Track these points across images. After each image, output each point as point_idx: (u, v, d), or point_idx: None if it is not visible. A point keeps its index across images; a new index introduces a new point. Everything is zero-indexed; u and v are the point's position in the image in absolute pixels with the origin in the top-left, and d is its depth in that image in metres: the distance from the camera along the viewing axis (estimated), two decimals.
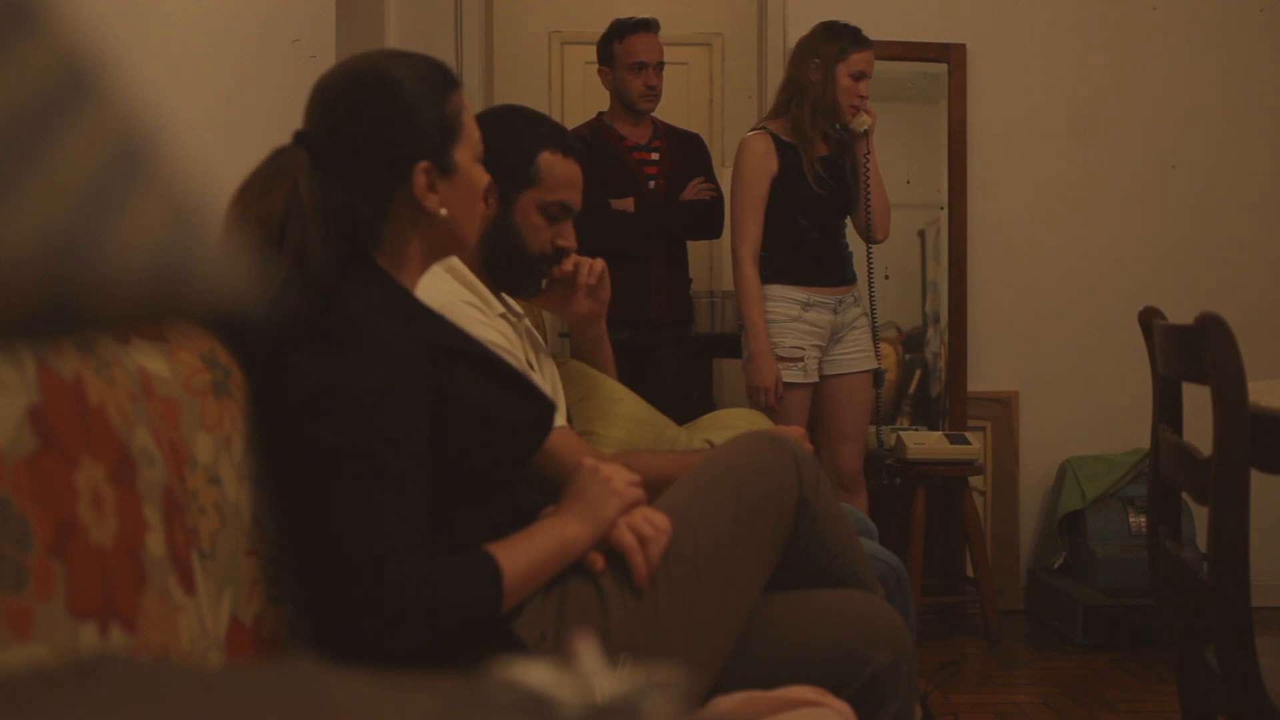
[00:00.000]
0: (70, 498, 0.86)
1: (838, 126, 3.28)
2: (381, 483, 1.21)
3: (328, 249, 1.29)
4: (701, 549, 1.44)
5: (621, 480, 1.43)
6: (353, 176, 1.33)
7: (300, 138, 1.34)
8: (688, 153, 3.87)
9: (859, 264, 3.48)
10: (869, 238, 3.40)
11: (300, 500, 1.23)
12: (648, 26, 3.80)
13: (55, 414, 0.86)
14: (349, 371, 1.23)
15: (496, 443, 1.37)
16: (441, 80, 1.38)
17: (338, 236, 1.31)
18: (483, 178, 1.43)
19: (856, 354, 3.36)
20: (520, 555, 1.31)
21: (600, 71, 3.86)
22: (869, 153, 3.32)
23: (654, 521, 1.41)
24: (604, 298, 2.01)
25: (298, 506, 1.24)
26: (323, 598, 1.23)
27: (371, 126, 1.35)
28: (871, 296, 3.47)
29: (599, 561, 1.40)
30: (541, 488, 1.76)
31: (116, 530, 0.91)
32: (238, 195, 1.30)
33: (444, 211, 1.37)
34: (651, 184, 3.77)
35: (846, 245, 3.38)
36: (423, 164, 1.35)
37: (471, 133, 1.40)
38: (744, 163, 3.23)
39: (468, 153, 1.40)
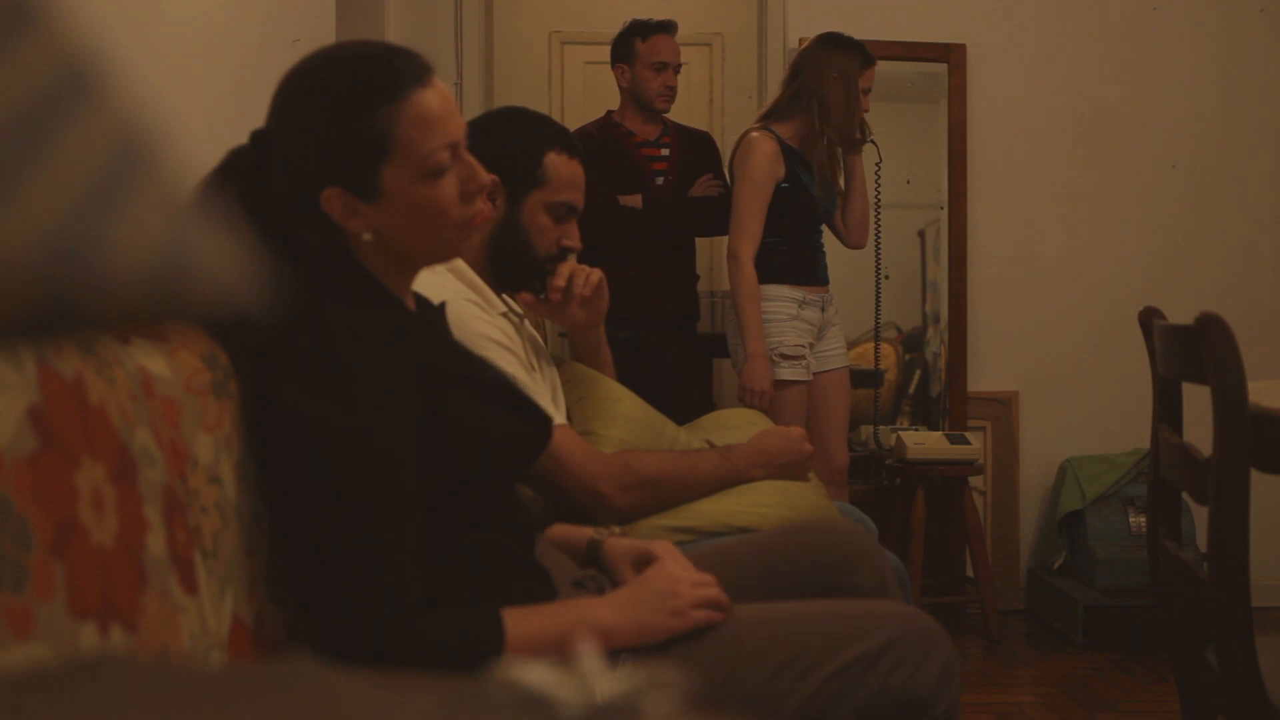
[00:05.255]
0: (70, 498, 0.86)
1: (856, 138, 3.33)
2: (367, 523, 1.18)
3: (272, 242, 1.24)
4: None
5: (689, 599, 1.35)
6: (280, 186, 1.28)
7: (253, 136, 1.29)
8: (698, 150, 3.87)
9: (859, 265, 3.52)
10: (854, 244, 3.49)
11: (290, 523, 1.21)
12: (670, 28, 3.83)
13: (56, 414, 0.86)
14: (333, 407, 1.19)
15: (492, 460, 1.34)
16: (375, 90, 1.24)
17: (279, 231, 1.27)
18: (433, 197, 1.28)
19: (837, 350, 3.43)
20: (532, 627, 1.24)
21: (617, 69, 3.82)
22: (879, 161, 3.38)
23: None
24: (601, 307, 2.00)
25: (289, 528, 1.22)
26: (312, 621, 1.20)
27: (285, 137, 1.27)
28: (878, 297, 3.51)
29: None
30: (542, 487, 1.76)
31: (117, 530, 0.91)
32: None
33: (367, 236, 1.27)
34: (659, 180, 3.76)
35: (824, 248, 3.42)
36: (330, 191, 1.25)
37: (415, 149, 1.25)
38: (754, 163, 3.23)
39: (404, 174, 1.25)
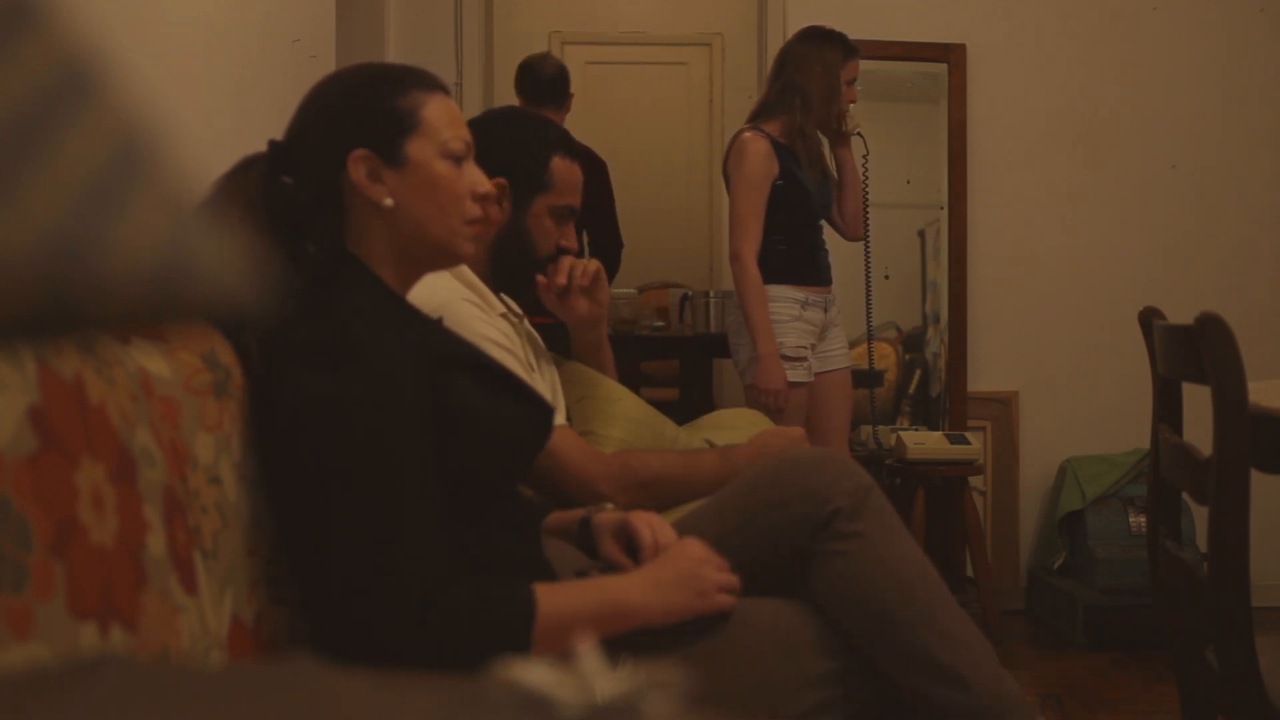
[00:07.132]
0: (70, 498, 0.86)
1: (838, 130, 3.32)
2: (385, 499, 1.19)
3: (278, 245, 1.29)
4: None
5: (714, 581, 1.37)
6: (299, 171, 1.34)
7: (271, 143, 1.36)
8: None
9: (857, 265, 3.52)
10: (852, 236, 3.49)
11: (300, 516, 1.21)
12: None
13: (56, 414, 0.86)
14: (344, 383, 1.20)
15: (496, 452, 1.35)
16: (405, 79, 1.36)
17: (286, 232, 1.31)
18: (452, 177, 1.36)
19: (839, 350, 3.42)
20: (562, 604, 1.26)
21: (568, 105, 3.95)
22: (866, 154, 3.37)
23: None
24: (602, 300, 2.01)
25: (297, 521, 1.22)
26: (326, 614, 1.20)
27: (311, 118, 1.36)
28: (869, 297, 3.50)
29: None
30: (542, 487, 1.76)
31: (117, 530, 0.91)
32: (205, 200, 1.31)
33: (388, 202, 1.33)
34: None
35: (825, 246, 3.41)
36: (359, 152, 1.32)
37: (439, 131, 1.35)
38: (750, 164, 3.22)
39: (427, 148, 1.34)
